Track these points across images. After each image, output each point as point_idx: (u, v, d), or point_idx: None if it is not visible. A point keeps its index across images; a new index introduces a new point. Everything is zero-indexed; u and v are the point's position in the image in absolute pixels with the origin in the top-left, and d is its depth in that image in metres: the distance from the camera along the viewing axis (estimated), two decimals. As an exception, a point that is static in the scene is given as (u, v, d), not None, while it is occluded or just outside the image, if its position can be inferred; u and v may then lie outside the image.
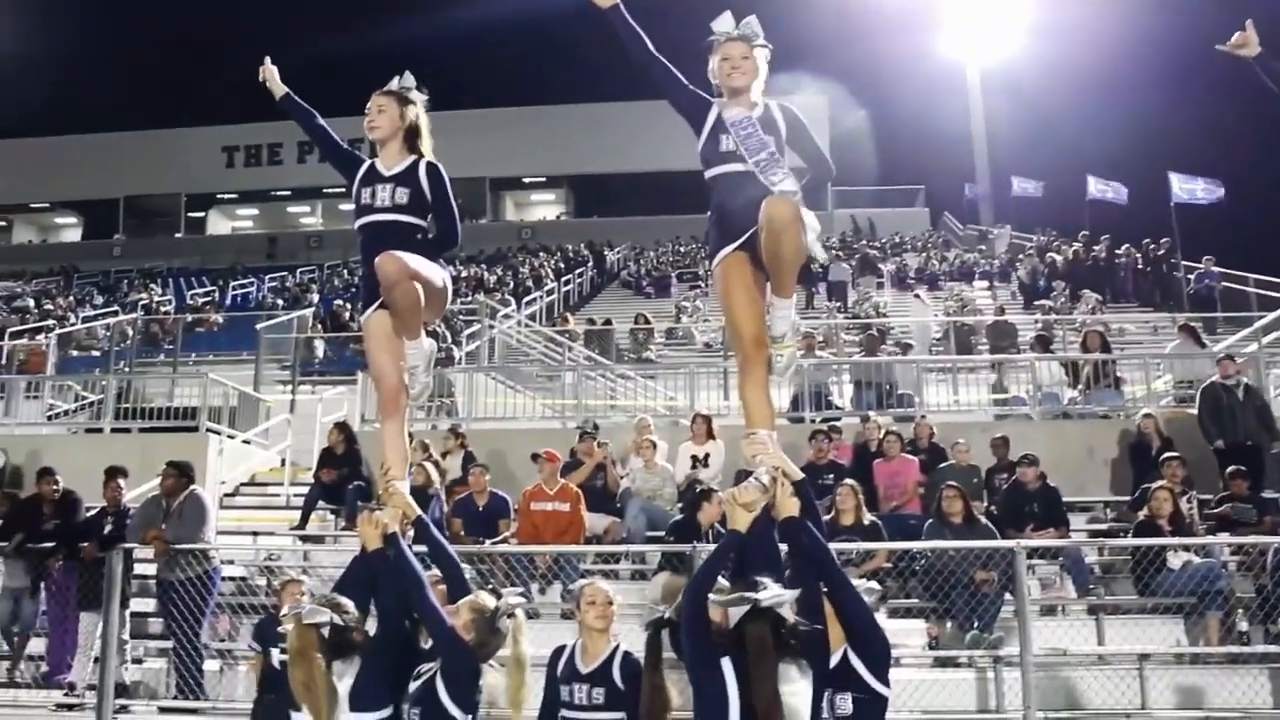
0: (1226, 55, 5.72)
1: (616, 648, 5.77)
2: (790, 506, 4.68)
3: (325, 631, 4.90)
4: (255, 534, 13.00)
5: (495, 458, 13.18)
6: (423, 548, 5.52)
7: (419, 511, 5.50)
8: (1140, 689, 9.09)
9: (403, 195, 5.50)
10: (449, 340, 19.39)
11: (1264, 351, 16.62)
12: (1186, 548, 10.06)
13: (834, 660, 4.43)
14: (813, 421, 14.32)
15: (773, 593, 4.29)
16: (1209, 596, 9.63)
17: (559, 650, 5.93)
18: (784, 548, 4.77)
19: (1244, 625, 9.65)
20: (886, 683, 4.43)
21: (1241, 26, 5.65)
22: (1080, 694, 9.12)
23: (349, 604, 5.04)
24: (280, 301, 32.14)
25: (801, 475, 4.86)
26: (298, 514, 13.05)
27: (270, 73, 5.93)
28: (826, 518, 10.55)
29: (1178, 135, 35.75)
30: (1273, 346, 17.82)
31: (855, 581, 4.81)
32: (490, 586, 6.92)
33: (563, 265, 35.05)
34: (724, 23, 5.12)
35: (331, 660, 4.89)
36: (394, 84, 5.72)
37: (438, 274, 5.53)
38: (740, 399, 5.13)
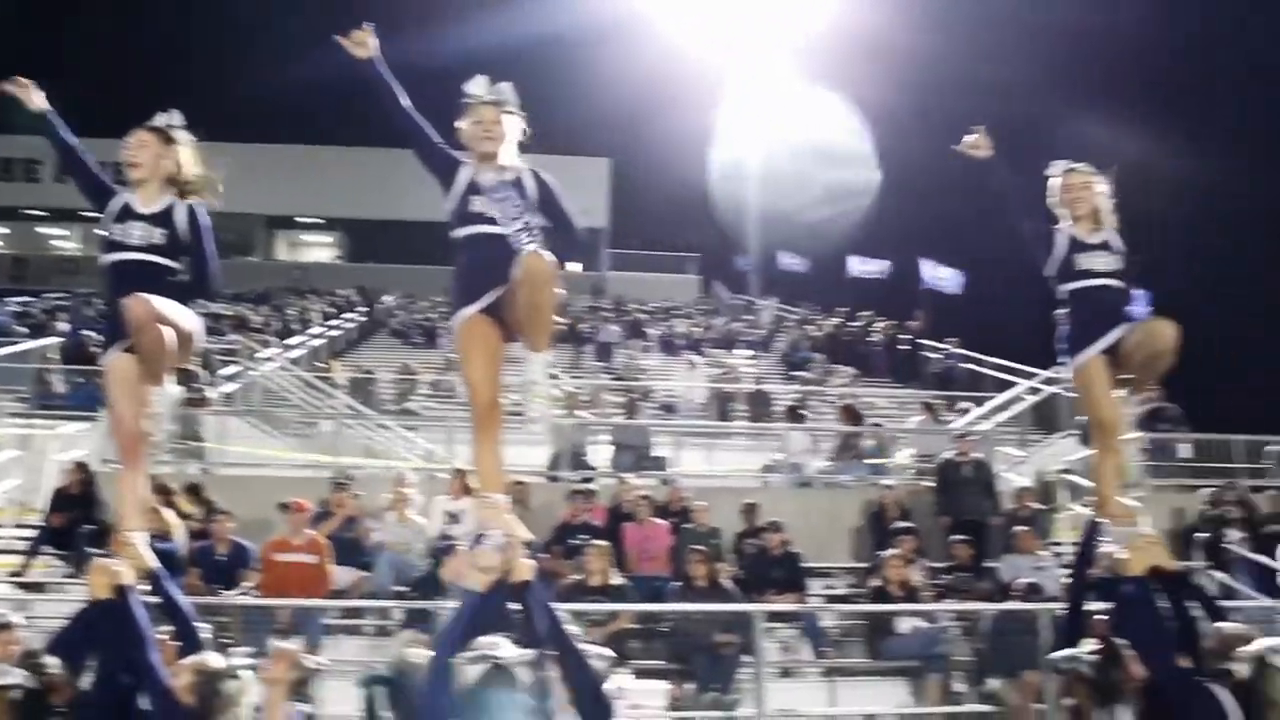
0: (960, 155, 6.19)
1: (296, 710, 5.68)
2: (523, 570, 4.74)
3: (17, 694, 4.60)
4: (-31, 581, 12.07)
5: (239, 505, 12.68)
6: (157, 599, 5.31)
7: (153, 565, 5.27)
8: (866, 747, 9.53)
9: (159, 235, 5.34)
10: (204, 379, 18.62)
11: (996, 430, 17.77)
12: (914, 614, 10.64)
13: None
14: (569, 481, 14.42)
15: (512, 652, 4.36)
16: (932, 659, 10.22)
17: None
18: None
19: (960, 686, 10.23)
20: None
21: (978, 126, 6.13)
22: (811, 753, 9.47)
23: (51, 661, 4.77)
24: (23, 328, 30.15)
25: (531, 538, 4.95)
26: (19, 559, 12.20)
27: (25, 90, 5.55)
28: (576, 577, 10.69)
29: (930, 223, 37.99)
30: (1004, 426, 19.03)
31: (586, 647, 4.90)
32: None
33: (331, 309, 34.24)
34: (477, 86, 5.22)
35: None
36: (159, 120, 5.54)
37: (188, 319, 5.37)
38: (474, 462, 5.18)
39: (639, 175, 55.79)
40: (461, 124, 5.26)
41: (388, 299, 38.89)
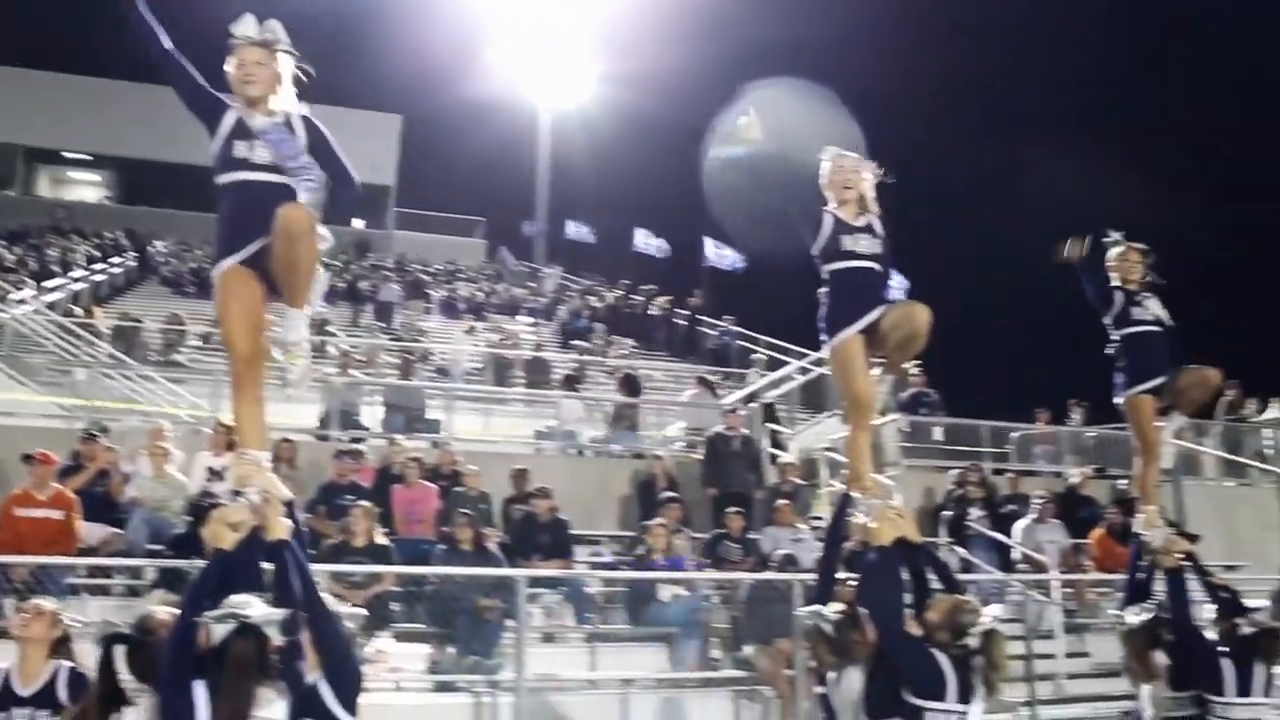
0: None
1: (60, 667, 5.40)
2: (279, 529, 4.60)
3: None
4: None
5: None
6: None
7: None
8: (623, 712, 9.69)
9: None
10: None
11: (763, 406, 18.28)
12: (676, 582, 10.87)
13: (305, 684, 4.39)
14: (338, 440, 14.10)
15: (262, 611, 4.21)
16: (691, 626, 10.48)
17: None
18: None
19: (716, 652, 10.53)
20: (353, 711, 4.43)
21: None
22: (569, 717, 9.57)
23: None
24: None
25: (291, 497, 4.80)
26: None
27: None
28: (340, 538, 10.46)
29: (715, 202, 38.75)
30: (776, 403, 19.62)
31: (340, 607, 4.80)
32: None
33: (96, 252, 32.35)
34: (245, 26, 4.96)
35: None
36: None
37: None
38: (234, 418, 4.99)
39: (430, 135, 54.96)
40: (228, 66, 4.99)
41: (159, 244, 37.10)
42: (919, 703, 4.96)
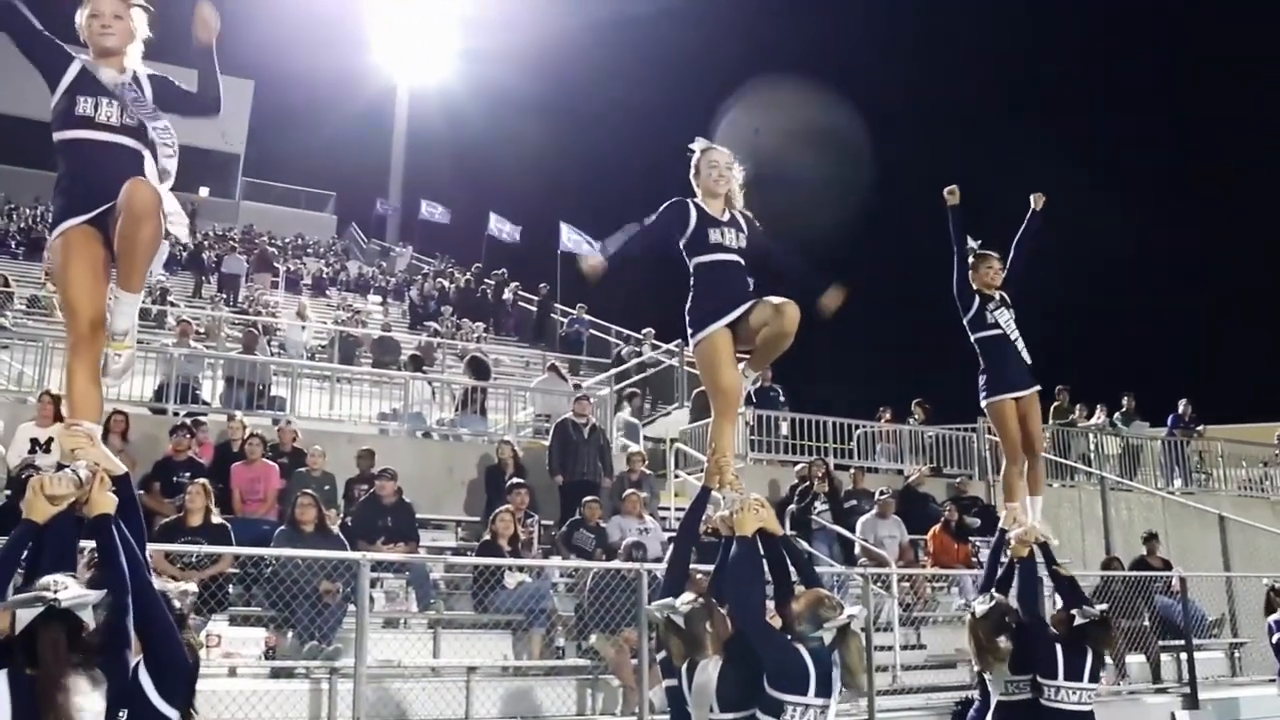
0: None
1: None
2: (104, 503, 4.31)
3: None
4: None
5: None
6: None
7: None
8: (467, 699, 9.57)
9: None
10: None
11: (613, 394, 18.36)
12: (522, 569, 10.79)
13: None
14: (176, 415, 13.58)
15: (74, 593, 3.90)
16: (536, 614, 10.42)
17: None
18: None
19: (561, 641, 10.49)
20: (175, 704, 4.16)
21: None
22: (411, 704, 9.37)
23: None
24: None
25: (124, 470, 4.54)
26: None
27: None
28: (175, 516, 10.07)
29: (573, 188, 38.70)
30: (623, 392, 19.70)
31: (168, 585, 4.55)
32: None
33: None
34: None
35: None
36: None
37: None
38: (65, 384, 4.70)
39: (283, 103, 53.46)
40: (79, 16, 4.68)
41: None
42: (780, 695, 4.96)
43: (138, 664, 4.07)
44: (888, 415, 18.57)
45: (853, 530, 13.75)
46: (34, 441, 11.33)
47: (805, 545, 13.47)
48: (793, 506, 14.10)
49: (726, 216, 6.14)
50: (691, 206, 6.11)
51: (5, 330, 18.32)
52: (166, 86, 4.80)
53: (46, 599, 3.82)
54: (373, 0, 46.04)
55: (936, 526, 14.08)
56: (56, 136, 4.62)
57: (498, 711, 9.67)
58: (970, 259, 8.16)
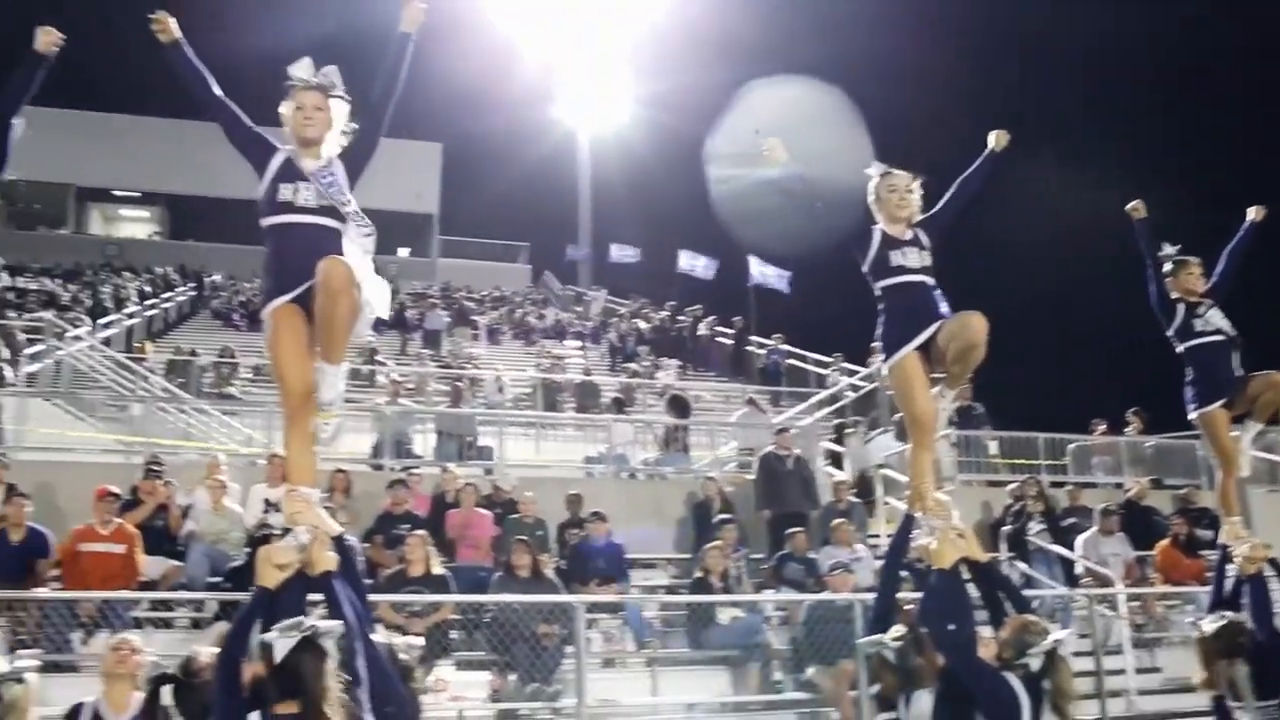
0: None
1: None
2: (325, 561, 4.58)
3: None
4: None
5: (44, 492, 12.02)
6: None
7: None
8: (686, 735, 9.64)
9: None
10: (4, 359, 17.55)
11: (816, 425, 18.21)
12: (734, 604, 10.80)
13: None
14: (392, 469, 14.16)
15: (325, 623, 4.22)
16: (751, 649, 10.41)
17: (76, 708, 5.51)
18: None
19: (779, 675, 10.43)
20: None
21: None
22: (632, 742, 9.52)
23: None
24: None
25: (340, 530, 4.79)
26: None
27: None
28: (397, 568, 10.48)
29: (759, 222, 38.67)
30: (824, 421, 19.53)
31: (398, 639, 4.78)
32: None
33: (147, 288, 32.86)
34: (302, 69, 5.02)
35: None
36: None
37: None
38: (285, 455, 4.99)
39: (470, 162, 55.30)
40: (283, 108, 5.04)
41: (216, 277, 37.62)
42: None
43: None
44: (1103, 427, 17.82)
45: (1072, 549, 13.22)
46: (266, 502, 11.96)
47: (1024, 568, 13.05)
48: (1007, 528, 13.68)
49: (908, 236, 6.10)
50: (875, 232, 6.09)
51: (234, 399, 19.50)
52: (350, 155, 5.07)
53: (303, 626, 4.12)
54: (548, 55, 47.21)
55: (1164, 541, 13.39)
56: (262, 222, 4.97)
57: (719, 747, 9.70)
58: (1167, 266, 7.72)
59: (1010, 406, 18.05)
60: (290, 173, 4.92)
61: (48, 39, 5.11)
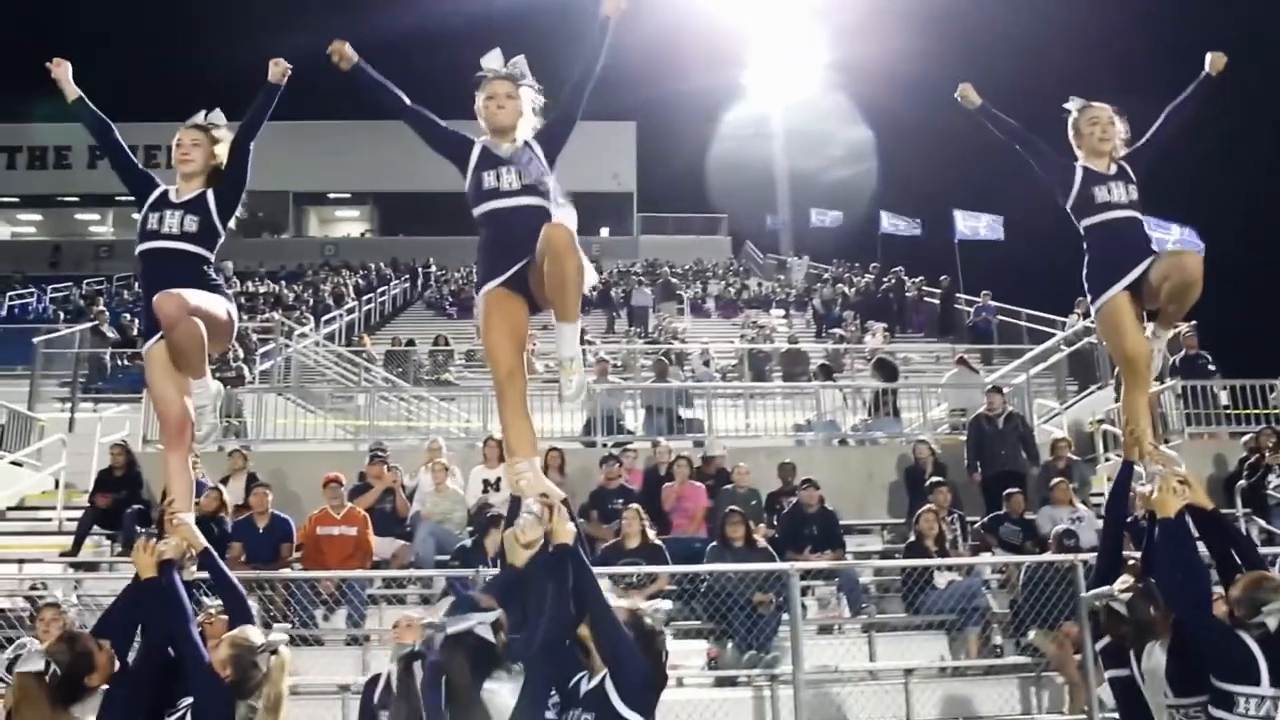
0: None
1: None
2: (564, 534, 4.73)
3: (48, 676, 4.63)
4: (22, 562, 12.27)
5: (281, 480, 12.88)
6: (205, 575, 5.47)
7: (204, 544, 5.33)
8: (906, 702, 9.60)
9: (191, 222, 5.41)
10: (241, 359, 18.81)
11: (1031, 382, 17.67)
12: (951, 568, 10.66)
13: (592, 684, 4.52)
14: (604, 445, 14.51)
15: (466, 621, 4.45)
16: (969, 613, 10.26)
17: (373, 680, 5.96)
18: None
19: (998, 639, 10.26)
20: (642, 711, 4.47)
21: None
22: (850, 708, 9.54)
23: (88, 640, 4.84)
24: (63, 314, 30.48)
25: (564, 496, 4.97)
26: (70, 539, 12.44)
27: (62, 72, 5.60)
28: (613, 540, 10.78)
29: (963, 174, 37.66)
30: (1040, 377, 18.94)
31: (645, 603, 4.90)
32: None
33: (362, 283, 34.44)
34: (492, 60, 5.25)
35: (67, 703, 4.69)
36: (200, 118, 5.63)
37: (220, 306, 5.45)
38: (501, 430, 5.23)
39: (665, 136, 55.70)
40: (478, 98, 5.28)
41: (433, 268, 39.10)
42: (1228, 687, 4.64)
43: (604, 676, 4.45)
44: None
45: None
46: (485, 482, 12.50)
47: (1263, 523, 12.41)
48: (1243, 482, 13.02)
49: (1113, 170, 5.88)
50: (1077, 168, 5.89)
51: (451, 385, 20.30)
52: (548, 134, 5.31)
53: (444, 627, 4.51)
54: (738, 23, 46.98)
55: None
56: (474, 212, 5.22)
57: (938, 713, 9.64)
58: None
59: (1242, 352, 17.11)
60: (490, 160, 5.17)
61: (278, 70, 5.60)
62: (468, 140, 5.26)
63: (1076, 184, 5.86)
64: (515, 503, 5.14)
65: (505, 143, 5.20)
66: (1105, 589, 5.26)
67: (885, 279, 30.68)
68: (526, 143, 5.22)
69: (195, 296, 5.22)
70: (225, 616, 5.36)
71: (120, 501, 12.47)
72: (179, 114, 5.74)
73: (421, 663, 4.72)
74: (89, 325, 21.86)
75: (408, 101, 5.30)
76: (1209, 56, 6.05)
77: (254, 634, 4.95)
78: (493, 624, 4.46)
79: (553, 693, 4.54)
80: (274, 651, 4.90)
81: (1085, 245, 5.91)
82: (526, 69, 5.29)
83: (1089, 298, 5.88)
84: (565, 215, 5.11)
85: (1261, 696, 4.60)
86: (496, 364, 5.07)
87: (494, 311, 5.06)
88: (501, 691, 4.46)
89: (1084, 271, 5.91)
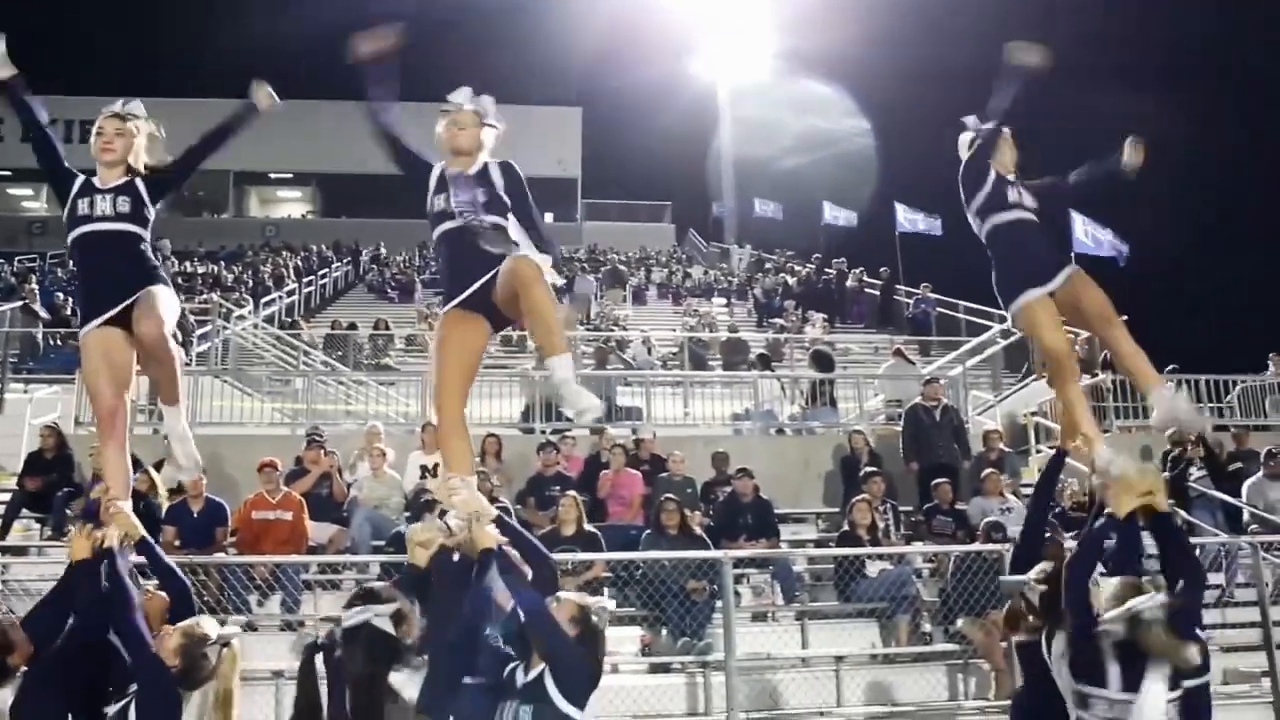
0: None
1: None
2: (485, 540, 4.84)
3: None
4: (-54, 545, 12.05)
5: (216, 463, 12.72)
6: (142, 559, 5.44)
7: (143, 533, 5.28)
8: (836, 688, 9.74)
9: (124, 204, 5.41)
10: (179, 341, 18.48)
11: (967, 374, 17.94)
12: (882, 556, 10.82)
13: (530, 676, 4.58)
14: (543, 433, 14.52)
15: (363, 614, 4.61)
16: (900, 601, 10.43)
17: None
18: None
19: (928, 627, 10.43)
20: (581, 706, 4.57)
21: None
22: (782, 695, 9.65)
23: (1, 619, 4.80)
24: (-8, 291, 29.80)
25: (496, 513, 5.06)
26: (-5, 522, 12.24)
27: None
28: (549, 528, 10.80)
29: (904, 168, 38.03)
30: (976, 370, 19.22)
31: (593, 599, 4.96)
32: (219, 617, 6.80)
33: (303, 265, 34.06)
34: (459, 96, 5.47)
35: None
36: (118, 107, 5.62)
37: (175, 309, 5.49)
38: (441, 452, 5.43)
39: (611, 123, 55.63)
40: (439, 126, 5.48)
41: (381, 250, 38.80)
42: (1082, 688, 4.84)
43: (542, 671, 4.54)
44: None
45: (1238, 496, 12.79)
46: (423, 468, 12.42)
47: (1184, 514, 12.69)
48: (1166, 474, 13.30)
49: (1012, 176, 6.07)
50: (990, 168, 6.03)
51: (391, 369, 20.19)
52: (513, 181, 5.42)
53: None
54: (687, 10, 46.94)
55: (1340, 484, 12.83)
56: (433, 234, 5.39)
57: (867, 699, 9.77)
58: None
59: (1166, 345, 17.42)
60: (443, 185, 5.35)
61: (268, 101, 5.89)
62: (428, 164, 5.45)
63: (989, 181, 6.02)
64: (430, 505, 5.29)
65: (458, 166, 5.36)
66: (1020, 578, 5.40)
67: (827, 270, 30.90)
68: (485, 166, 5.38)
69: (166, 310, 5.28)
70: (164, 593, 5.31)
71: (51, 484, 12.27)
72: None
73: (324, 654, 4.73)
74: (19, 304, 21.39)
75: (390, 127, 5.48)
76: (1128, 146, 6.18)
77: (209, 625, 4.93)
78: (392, 615, 4.53)
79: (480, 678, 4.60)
80: (225, 644, 4.87)
81: (991, 248, 6.04)
82: (491, 109, 5.48)
83: (1002, 300, 6.02)
84: (540, 259, 5.17)
85: (1111, 699, 4.74)
86: (440, 389, 5.25)
87: (448, 336, 5.23)
88: (410, 683, 4.51)
89: (994, 274, 6.03)
